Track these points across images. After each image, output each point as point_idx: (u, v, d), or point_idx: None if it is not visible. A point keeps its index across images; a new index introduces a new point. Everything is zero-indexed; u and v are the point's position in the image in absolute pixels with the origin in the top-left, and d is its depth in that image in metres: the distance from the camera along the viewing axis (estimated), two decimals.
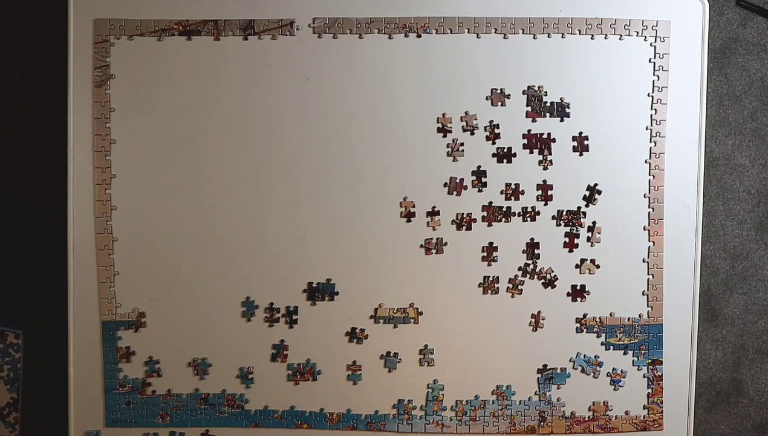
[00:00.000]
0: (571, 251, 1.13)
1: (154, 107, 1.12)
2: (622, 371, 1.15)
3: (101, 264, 1.12)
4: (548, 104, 1.12)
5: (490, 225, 1.13)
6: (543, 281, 1.13)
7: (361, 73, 1.12)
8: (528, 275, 1.13)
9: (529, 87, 1.12)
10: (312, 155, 1.12)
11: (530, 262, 1.13)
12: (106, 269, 1.12)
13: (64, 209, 1.12)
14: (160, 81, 1.12)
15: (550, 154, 1.12)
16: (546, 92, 1.12)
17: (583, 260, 1.13)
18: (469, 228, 1.13)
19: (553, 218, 1.13)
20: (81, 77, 1.11)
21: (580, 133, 1.12)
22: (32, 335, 1.23)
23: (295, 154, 1.12)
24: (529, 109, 1.12)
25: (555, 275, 1.13)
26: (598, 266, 1.13)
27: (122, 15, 1.11)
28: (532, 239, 1.13)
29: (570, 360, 1.14)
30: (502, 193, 1.13)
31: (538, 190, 1.13)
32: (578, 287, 1.13)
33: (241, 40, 1.11)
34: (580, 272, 1.13)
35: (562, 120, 1.12)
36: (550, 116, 1.12)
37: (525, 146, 1.12)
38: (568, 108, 1.12)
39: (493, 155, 1.13)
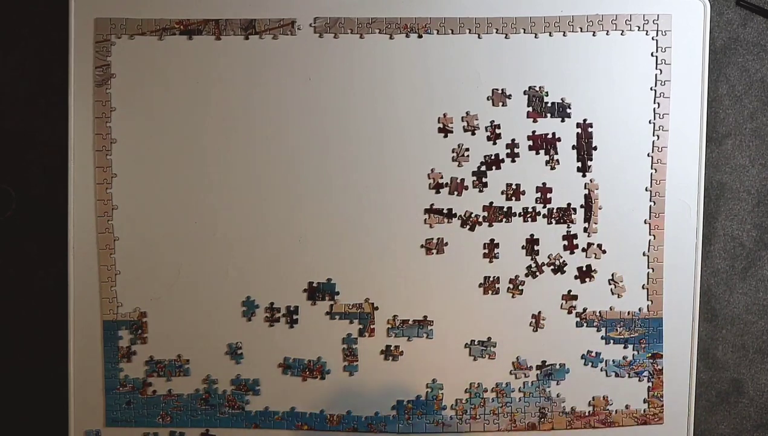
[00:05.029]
0: (572, 252, 1.13)
1: (155, 107, 1.12)
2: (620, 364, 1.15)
3: (103, 264, 1.12)
4: (549, 104, 1.12)
5: (491, 225, 1.13)
6: (552, 267, 1.13)
7: (362, 73, 1.12)
8: (536, 269, 1.13)
9: (530, 87, 1.12)
10: (313, 155, 1.12)
11: (532, 262, 1.13)
12: (107, 268, 1.12)
13: (64, 209, 1.12)
14: (161, 80, 1.11)
15: (557, 153, 1.12)
16: (547, 92, 1.12)
17: (590, 244, 1.13)
18: (472, 229, 1.13)
19: (552, 217, 1.13)
20: (82, 76, 1.11)
21: (585, 119, 1.12)
22: (32, 335, 1.23)
23: (295, 153, 1.12)
24: (530, 109, 1.12)
25: (564, 261, 1.13)
26: (604, 251, 1.13)
27: (123, 14, 1.11)
28: (532, 236, 1.13)
29: (581, 357, 1.15)
30: (502, 193, 1.13)
31: (537, 192, 1.13)
32: (584, 268, 1.14)
33: (242, 40, 1.11)
34: (586, 256, 1.14)
35: (563, 120, 1.12)
36: (551, 116, 1.12)
37: (530, 148, 1.12)
38: (569, 108, 1.12)
39: (495, 155, 1.13)
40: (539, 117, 1.12)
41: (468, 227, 1.13)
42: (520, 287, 1.14)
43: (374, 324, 1.14)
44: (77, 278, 1.12)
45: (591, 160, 1.13)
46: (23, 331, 1.23)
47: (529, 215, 1.13)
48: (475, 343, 1.14)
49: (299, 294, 1.14)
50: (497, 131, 1.12)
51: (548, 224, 1.13)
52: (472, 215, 1.13)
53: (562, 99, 1.12)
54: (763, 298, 1.26)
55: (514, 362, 1.15)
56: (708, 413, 1.28)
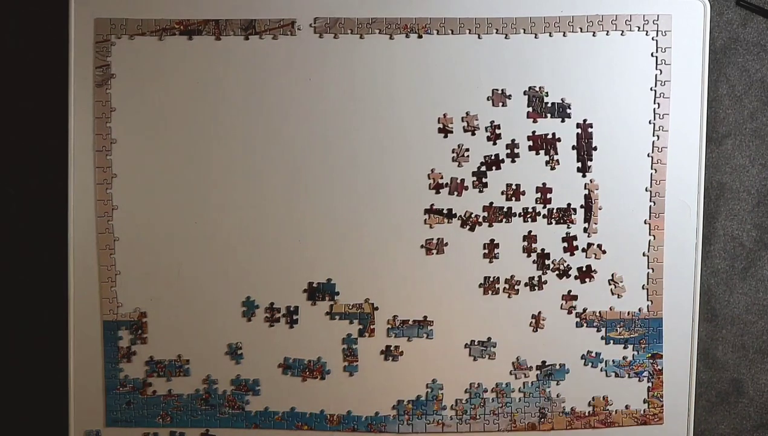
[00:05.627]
0: (572, 254, 1.13)
1: (155, 107, 1.12)
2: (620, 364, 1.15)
3: (103, 264, 1.12)
4: (549, 105, 1.12)
5: (491, 226, 1.13)
6: (557, 272, 1.13)
7: (362, 74, 1.12)
8: (541, 273, 1.13)
9: (530, 87, 1.12)
10: (313, 155, 1.12)
11: (537, 262, 1.13)
12: (107, 268, 1.12)
13: (64, 209, 1.12)
14: (161, 80, 1.11)
15: (557, 154, 1.12)
16: (547, 93, 1.12)
17: (590, 245, 1.13)
18: (472, 229, 1.13)
19: (552, 217, 1.13)
20: (82, 76, 1.11)
21: (585, 119, 1.12)
22: (32, 335, 1.23)
23: (295, 153, 1.12)
24: (530, 109, 1.12)
25: (568, 265, 1.13)
26: (604, 252, 1.13)
27: (123, 14, 1.11)
28: (530, 232, 1.13)
29: (581, 357, 1.15)
30: (502, 193, 1.13)
31: (537, 192, 1.13)
32: (584, 269, 1.14)
33: (242, 40, 1.11)
34: (586, 257, 1.14)
35: (563, 120, 1.12)
36: (551, 117, 1.12)
37: (530, 148, 1.12)
38: (569, 108, 1.12)
39: (495, 156, 1.13)
40: (539, 117, 1.12)
41: (468, 227, 1.13)
42: (516, 287, 1.14)
43: (374, 324, 1.14)
44: (77, 278, 1.12)
45: (591, 160, 1.13)
46: (23, 331, 1.23)
47: (529, 216, 1.13)
48: (475, 343, 1.14)
49: (299, 294, 1.14)
50: (497, 131, 1.12)
51: (548, 224, 1.13)
52: (472, 215, 1.13)
53: (562, 99, 1.12)
54: (763, 298, 1.26)
55: (514, 362, 1.15)
56: (708, 413, 1.28)
